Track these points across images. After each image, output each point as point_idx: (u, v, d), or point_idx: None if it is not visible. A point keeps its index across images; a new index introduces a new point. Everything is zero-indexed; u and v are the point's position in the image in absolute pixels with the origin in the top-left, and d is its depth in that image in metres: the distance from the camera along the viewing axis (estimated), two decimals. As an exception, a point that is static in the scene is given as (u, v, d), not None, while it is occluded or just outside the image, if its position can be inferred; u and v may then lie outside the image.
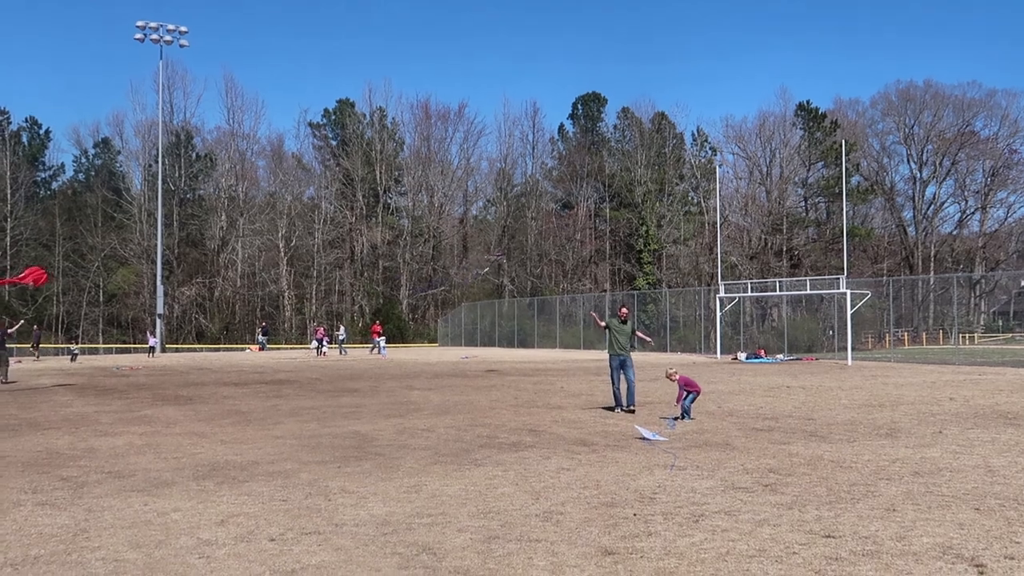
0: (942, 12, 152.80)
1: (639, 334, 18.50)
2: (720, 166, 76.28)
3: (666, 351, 51.76)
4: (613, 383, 17.48)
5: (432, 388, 23.86)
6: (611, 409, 17.38)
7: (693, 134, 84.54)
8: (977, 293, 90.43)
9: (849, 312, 39.35)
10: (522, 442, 12.93)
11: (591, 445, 12.57)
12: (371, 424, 15.26)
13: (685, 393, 15.70)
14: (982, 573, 6.20)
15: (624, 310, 18.17)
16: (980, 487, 9.31)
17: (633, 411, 16.81)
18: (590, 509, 8.33)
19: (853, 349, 40.62)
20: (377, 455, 11.73)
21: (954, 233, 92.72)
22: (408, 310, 78.59)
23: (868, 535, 7.28)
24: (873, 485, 9.44)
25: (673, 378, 16.15)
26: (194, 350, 62.51)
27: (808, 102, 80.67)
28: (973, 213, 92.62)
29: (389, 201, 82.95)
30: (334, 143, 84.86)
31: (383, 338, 51.86)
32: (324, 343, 52.68)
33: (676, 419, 15.32)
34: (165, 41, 60.64)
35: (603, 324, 18.21)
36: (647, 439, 12.91)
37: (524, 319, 65.40)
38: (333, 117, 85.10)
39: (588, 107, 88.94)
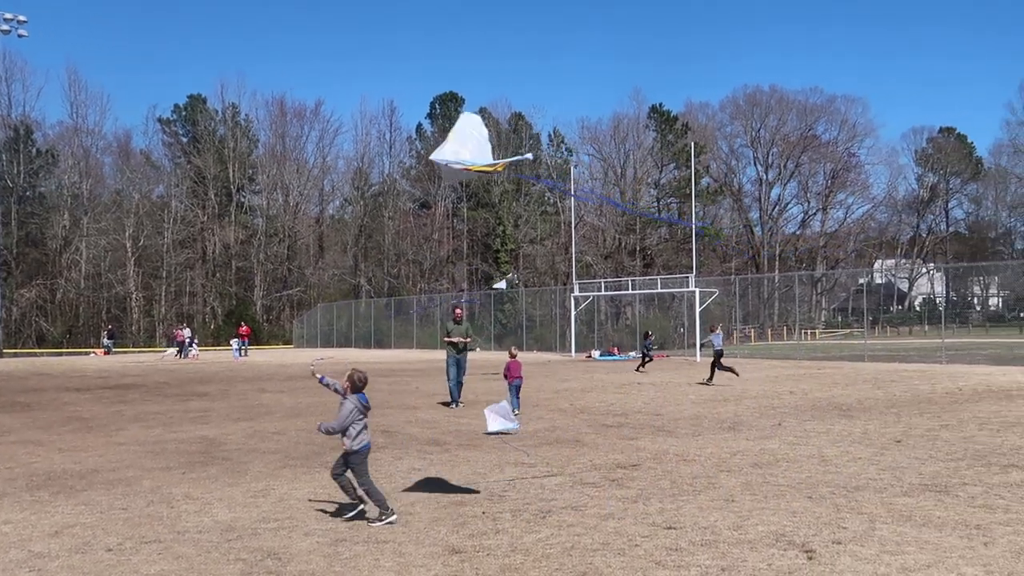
0: (787, 20, 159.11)
1: (469, 338, 19.35)
2: (576, 167, 77.53)
3: (522, 350, 52.16)
4: (449, 379, 18.38)
5: (285, 391, 23.46)
6: (447, 404, 18.33)
7: (550, 135, 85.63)
8: (818, 291, 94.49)
9: (698, 309, 40.56)
10: (374, 443, 12.82)
11: (443, 445, 12.60)
12: (219, 428, 14.90)
13: (509, 380, 16.34)
14: (811, 558, 6.50)
15: (459, 311, 19.26)
16: (813, 476, 9.75)
17: (457, 406, 17.88)
18: (439, 508, 8.36)
19: (702, 346, 41.87)
20: (224, 460, 11.48)
21: (797, 233, 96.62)
22: (262, 311, 77.00)
23: (707, 525, 7.54)
24: (714, 477, 9.77)
25: (512, 355, 16.77)
26: (34, 355, 59.58)
27: (660, 105, 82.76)
28: (815, 214, 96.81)
29: (243, 200, 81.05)
30: (185, 140, 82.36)
31: (237, 340, 50.68)
32: (193, 345, 51.13)
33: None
34: (2, 30, 57.68)
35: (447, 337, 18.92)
36: (497, 431, 13.12)
37: (381, 319, 64.96)
38: (184, 113, 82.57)
39: (446, 106, 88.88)
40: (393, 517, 7.76)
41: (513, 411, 15.74)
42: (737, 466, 10.47)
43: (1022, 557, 6.43)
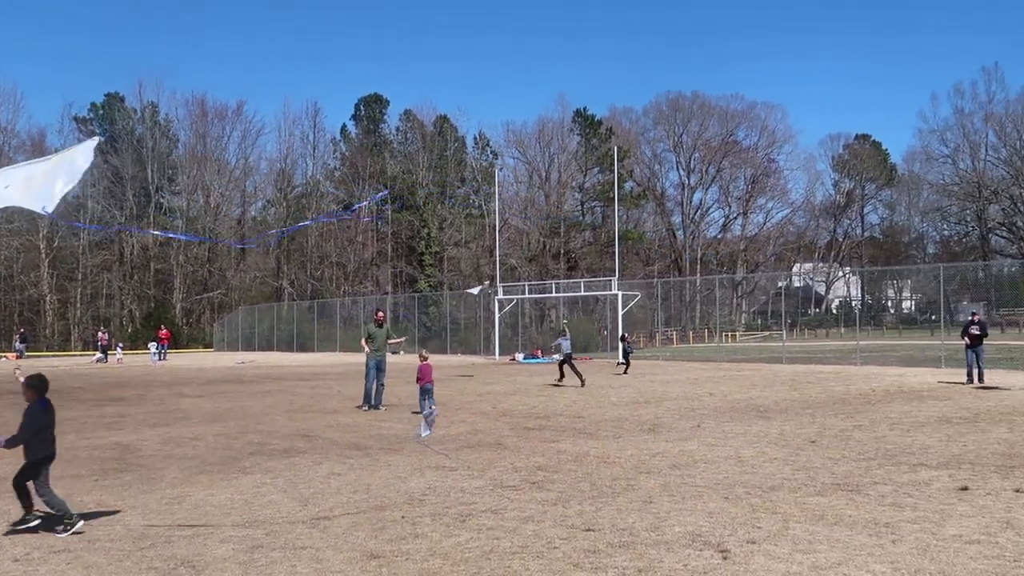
0: (709, 29, 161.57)
1: (391, 340, 19.67)
2: (500, 170, 77.62)
3: (446, 353, 52.14)
4: (367, 381, 18.46)
5: (204, 395, 23.08)
6: (360, 407, 18.35)
7: (475, 138, 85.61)
8: (739, 294, 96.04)
9: (620, 312, 40.91)
10: (294, 448, 12.72)
11: (364, 449, 12.51)
12: (135, 434, 14.60)
13: (421, 383, 16.31)
14: (726, 558, 6.60)
15: (380, 314, 19.34)
16: (730, 477, 9.90)
17: (380, 409, 17.96)
18: (358, 513, 8.30)
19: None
20: (139, 466, 11.25)
21: (718, 237, 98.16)
22: (182, 314, 75.61)
23: (625, 527, 7.60)
24: (634, 479, 9.86)
25: (423, 359, 16.77)
26: (-59, 359, 57.73)
27: (585, 109, 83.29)
28: (735, 218, 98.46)
29: (162, 201, 79.51)
30: (102, 139, 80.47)
31: (155, 343, 49.71)
32: (118, 349, 49.99)
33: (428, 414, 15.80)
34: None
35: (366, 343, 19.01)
36: (420, 435, 13.26)
37: (304, 322, 64.28)
38: (101, 112, 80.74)
39: (370, 108, 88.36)
40: (80, 524, 7.66)
41: (425, 413, 15.81)
42: (656, 468, 10.59)
43: (928, 554, 6.61)
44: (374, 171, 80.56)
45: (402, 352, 44.64)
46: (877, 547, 6.83)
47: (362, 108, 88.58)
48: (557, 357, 26.64)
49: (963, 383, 22.68)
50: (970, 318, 24.29)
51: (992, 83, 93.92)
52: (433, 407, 15.94)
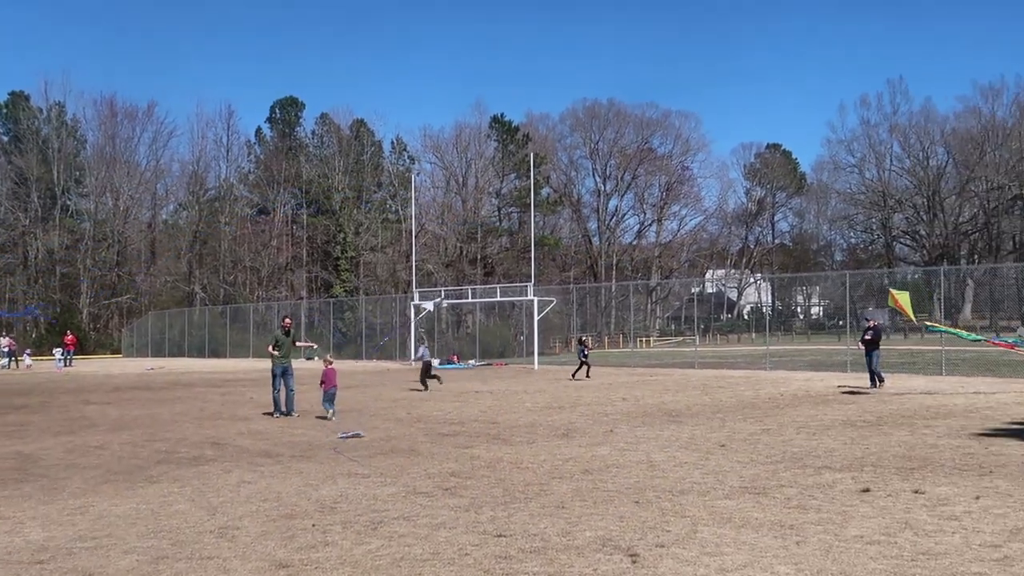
0: (622, 33, 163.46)
1: (299, 343, 19.94)
2: (417, 175, 77.39)
3: (361, 359, 51.78)
4: (274, 389, 18.31)
5: (111, 402, 22.54)
6: (270, 414, 18.14)
7: (392, 142, 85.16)
8: (653, 299, 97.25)
9: (536, 318, 41.09)
10: (203, 456, 12.50)
11: (276, 456, 12.35)
12: (37, 443, 14.18)
13: (325, 388, 17.31)
14: (635, 561, 6.67)
15: (287, 320, 19.24)
16: (641, 481, 10.01)
17: (293, 415, 17.84)
18: (268, 522, 8.18)
19: (540, 354, 42.46)
20: (41, 476, 10.93)
21: (634, 243, 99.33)
22: (89, 319, 73.65)
23: (537, 532, 7.63)
24: (546, 484, 9.91)
25: (328, 364, 17.53)
26: None
27: (502, 115, 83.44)
28: (650, 225, 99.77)
29: (69, 203, 77.35)
30: (5, 139, 78.08)
31: (60, 349, 48.38)
32: (26, 355, 48.47)
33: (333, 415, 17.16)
34: None
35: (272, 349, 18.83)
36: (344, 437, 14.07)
37: (216, 328, 63.15)
38: (4, 111, 78.32)
39: (286, 111, 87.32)
40: None
41: (329, 415, 16.96)
42: (569, 473, 10.65)
43: (830, 554, 6.77)
44: (289, 175, 79.59)
45: (317, 358, 44.22)
46: (782, 548, 6.97)
47: (277, 111, 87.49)
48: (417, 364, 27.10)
49: (867, 388, 23.32)
50: (866, 324, 25.04)
51: (896, 95, 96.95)
52: (332, 411, 17.15)
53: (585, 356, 29.77)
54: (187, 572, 6.57)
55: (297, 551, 7.13)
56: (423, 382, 25.42)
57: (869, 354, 23.74)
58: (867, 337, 23.87)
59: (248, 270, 78.07)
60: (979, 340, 25.07)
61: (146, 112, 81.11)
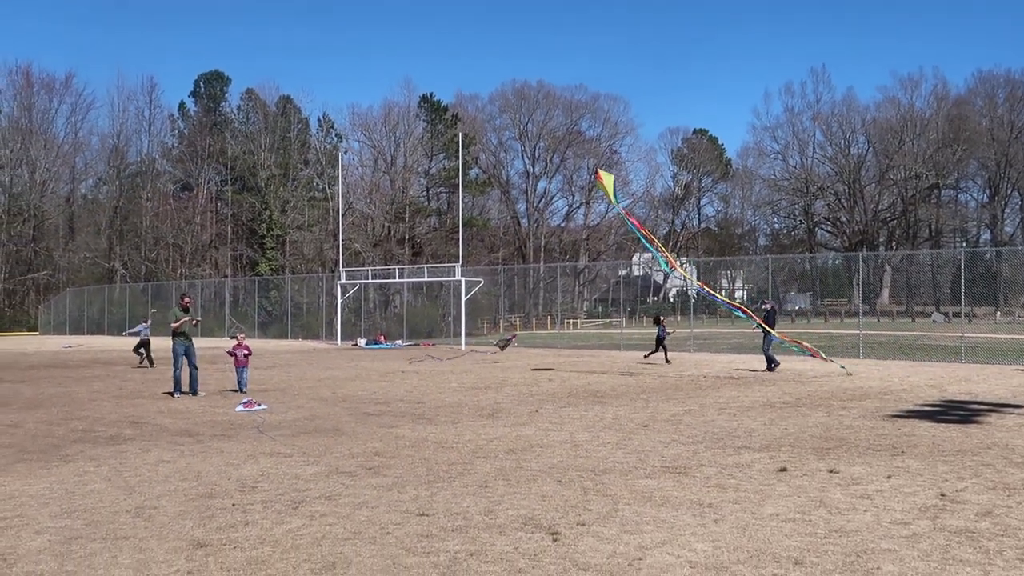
0: (552, 15, 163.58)
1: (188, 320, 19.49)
2: (345, 153, 76.60)
3: (287, 338, 51.27)
4: (175, 368, 17.98)
5: (25, 380, 22.00)
6: (171, 394, 17.85)
7: (319, 120, 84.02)
8: (581, 281, 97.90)
9: (463, 298, 41.08)
10: (121, 435, 12.27)
11: (196, 435, 12.17)
12: (-53, 421, 13.78)
13: (237, 365, 18.32)
14: (556, 539, 6.72)
15: (187, 299, 19.05)
16: (565, 461, 10.08)
17: (198, 395, 17.69)
18: (186, 502, 8.06)
19: (468, 334, 42.47)
20: (-50, 455, 10.62)
21: (562, 225, 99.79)
22: (4, 296, 71.65)
23: (460, 511, 7.65)
24: (470, 464, 9.92)
25: (239, 339, 18.58)
26: None
27: (431, 94, 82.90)
28: (579, 207, 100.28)
29: (-18, 176, 75.04)
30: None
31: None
32: None
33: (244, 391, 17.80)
34: None
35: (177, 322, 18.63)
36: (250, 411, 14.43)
37: (137, 305, 61.76)
38: (-87, 80, 75.63)
39: (211, 86, 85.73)
40: None
41: (241, 391, 17.55)
42: (493, 452, 10.68)
43: (746, 532, 6.90)
44: (214, 151, 78.17)
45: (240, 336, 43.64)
46: (700, 527, 7.09)
47: (202, 85, 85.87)
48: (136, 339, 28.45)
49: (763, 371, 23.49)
50: (764, 308, 25.22)
51: (820, 84, 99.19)
52: (244, 385, 18.15)
53: (666, 336, 27.72)
54: (101, 552, 6.45)
55: (216, 530, 7.05)
56: (141, 354, 27.39)
57: (764, 337, 24.09)
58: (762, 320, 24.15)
59: (171, 247, 76.59)
60: (756, 326, 24.49)
61: (64, 83, 78.93)
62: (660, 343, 27.54)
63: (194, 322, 18.76)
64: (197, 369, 18.17)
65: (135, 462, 10.10)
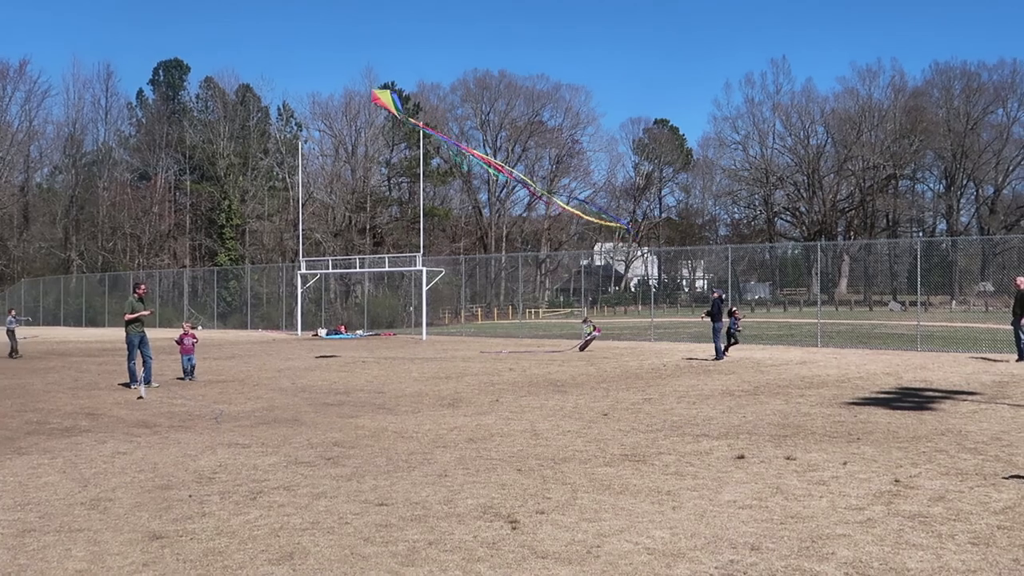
0: (514, 4, 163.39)
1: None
2: (305, 142, 76.08)
3: (247, 328, 50.90)
4: (130, 359, 17.80)
5: (-21, 372, 21.66)
6: (127, 385, 17.63)
7: (279, 109, 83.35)
8: (543, 271, 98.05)
9: (425, 288, 40.99)
10: (77, 426, 12.12)
11: (153, 427, 12.06)
12: None
13: (183, 352, 19.05)
14: (515, 528, 6.73)
15: (143, 288, 18.74)
16: (525, 450, 10.10)
17: (153, 385, 17.41)
18: (143, 493, 7.99)
19: (429, 324, 42.40)
20: (-100, 448, 10.44)
21: (524, 215, 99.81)
22: (-42, 287, 70.57)
23: (419, 501, 7.64)
24: (430, 453, 9.91)
25: (187, 328, 19.67)
26: None
27: (393, 83, 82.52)
28: (540, 197, 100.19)
29: (-68, 164, 73.74)
30: None
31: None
32: None
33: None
34: None
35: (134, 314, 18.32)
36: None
37: (94, 296, 61.17)
38: None
39: (170, 74, 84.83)
40: None
41: (186, 379, 18.47)
42: (453, 442, 10.68)
43: (704, 519, 6.96)
44: (172, 139, 77.30)
45: (201, 328, 43.35)
46: (658, 514, 7.13)
47: (161, 73, 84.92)
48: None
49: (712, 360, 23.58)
50: (713, 296, 25.39)
51: (780, 75, 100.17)
52: (190, 371, 18.92)
53: (737, 330, 25.31)
54: (55, 545, 6.37)
55: (172, 522, 6.99)
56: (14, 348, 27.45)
57: (713, 327, 24.23)
58: (709, 310, 24.34)
59: (128, 237, 75.66)
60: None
61: (18, 70, 77.71)
62: (731, 336, 25.12)
63: (148, 312, 18.51)
64: (151, 359, 17.93)
65: (90, 454, 9.98)
